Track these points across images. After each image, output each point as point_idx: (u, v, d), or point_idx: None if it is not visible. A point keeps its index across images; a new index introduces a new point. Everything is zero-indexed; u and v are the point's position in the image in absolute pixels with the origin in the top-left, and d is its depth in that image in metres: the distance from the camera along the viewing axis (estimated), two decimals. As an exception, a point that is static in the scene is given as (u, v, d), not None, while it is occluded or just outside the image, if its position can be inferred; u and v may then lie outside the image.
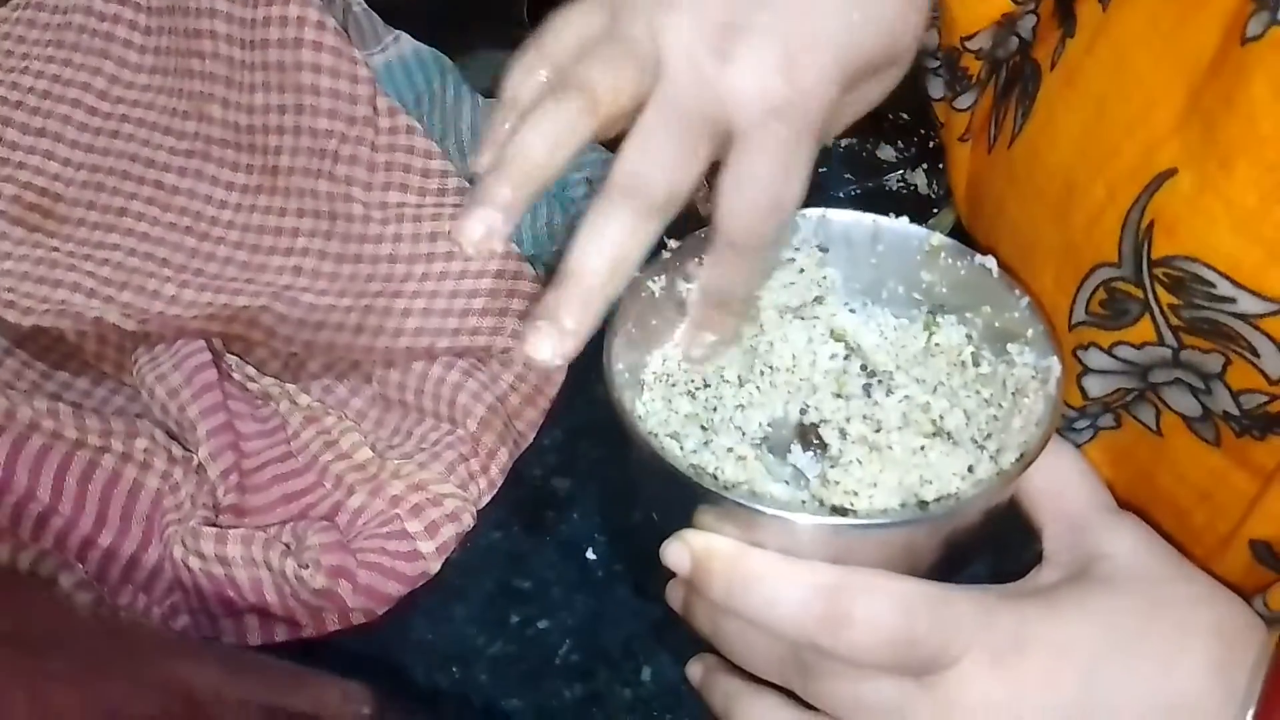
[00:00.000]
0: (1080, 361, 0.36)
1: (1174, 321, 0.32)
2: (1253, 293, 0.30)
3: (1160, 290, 0.32)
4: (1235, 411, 0.32)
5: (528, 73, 0.33)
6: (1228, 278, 0.30)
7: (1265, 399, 0.31)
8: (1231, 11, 0.30)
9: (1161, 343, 0.33)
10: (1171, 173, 0.31)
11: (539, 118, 0.31)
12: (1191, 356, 0.33)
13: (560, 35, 0.33)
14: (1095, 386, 0.36)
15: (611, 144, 0.59)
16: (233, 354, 0.47)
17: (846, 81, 0.33)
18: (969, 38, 0.39)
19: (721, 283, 0.34)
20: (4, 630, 0.18)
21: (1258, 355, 0.31)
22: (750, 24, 0.32)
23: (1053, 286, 0.37)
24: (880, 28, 0.34)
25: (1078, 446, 0.38)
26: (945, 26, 0.40)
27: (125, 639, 0.20)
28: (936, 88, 0.43)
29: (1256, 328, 0.30)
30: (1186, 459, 0.35)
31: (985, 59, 0.41)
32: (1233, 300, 0.30)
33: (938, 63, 0.41)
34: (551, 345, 0.30)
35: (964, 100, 0.42)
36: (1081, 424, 0.38)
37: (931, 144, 0.53)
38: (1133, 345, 0.34)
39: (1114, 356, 0.35)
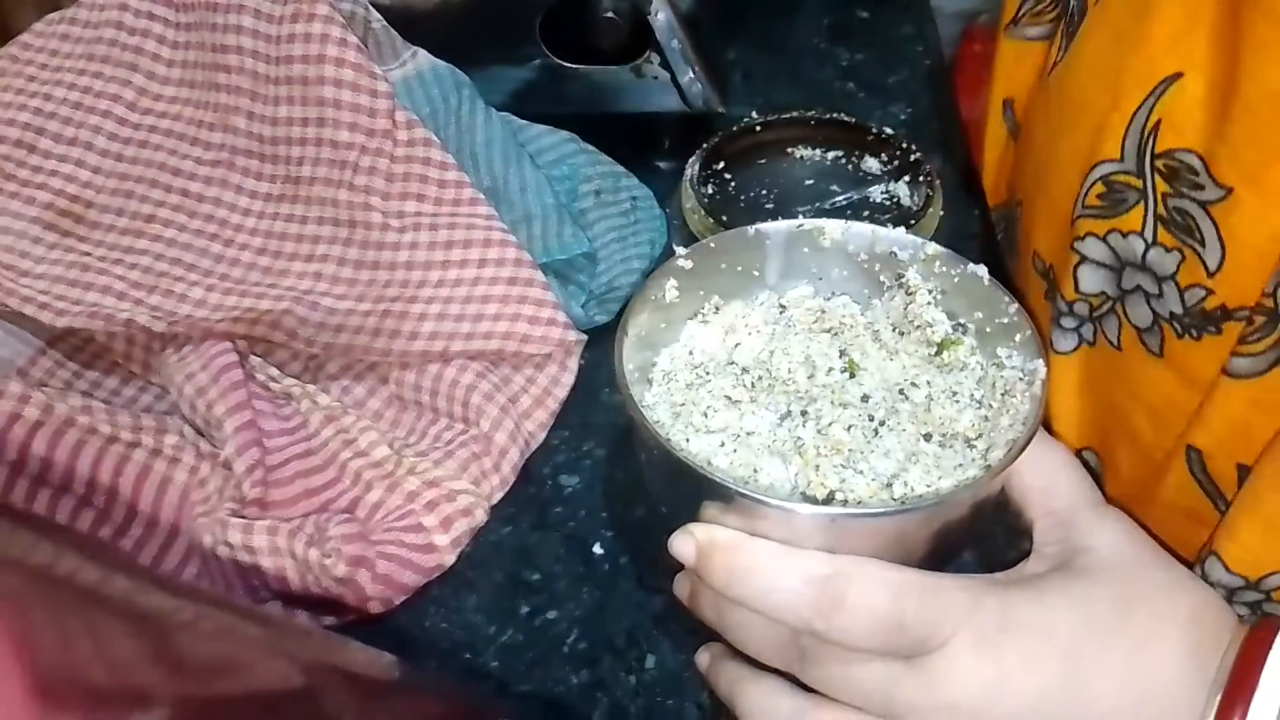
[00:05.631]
0: (1078, 252, 0.40)
1: (1160, 211, 0.36)
2: (1213, 179, 0.34)
3: (1159, 180, 0.36)
4: (1179, 310, 0.36)
5: None
6: (1204, 162, 0.34)
7: (1203, 293, 0.35)
8: None
9: (1141, 234, 0.37)
10: (1177, 76, 0.36)
11: None
12: (1156, 256, 0.37)
13: None
14: (1086, 279, 0.40)
15: (620, 156, 0.61)
16: (256, 355, 0.49)
17: None
18: None
19: None
20: (65, 572, 0.19)
21: (1203, 245, 0.35)
22: None
23: (1063, 194, 0.41)
24: None
25: (1067, 354, 0.42)
26: None
27: (176, 591, 0.22)
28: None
29: (1208, 214, 0.34)
30: (1138, 372, 0.39)
31: None
32: (1203, 188, 0.34)
33: None
34: None
35: (1032, 30, 0.47)
36: (1069, 324, 0.42)
37: (913, 157, 0.55)
38: (1122, 233, 0.38)
39: (1107, 244, 0.38)
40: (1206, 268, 0.35)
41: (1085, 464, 0.44)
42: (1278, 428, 0.34)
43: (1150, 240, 0.37)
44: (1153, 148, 0.36)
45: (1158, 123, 0.36)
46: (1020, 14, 0.48)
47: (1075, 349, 0.42)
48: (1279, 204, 0.33)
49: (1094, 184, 0.39)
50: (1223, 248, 0.34)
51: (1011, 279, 0.50)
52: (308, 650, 0.23)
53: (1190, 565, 0.36)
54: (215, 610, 0.21)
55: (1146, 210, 0.37)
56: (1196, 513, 0.37)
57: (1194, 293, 0.35)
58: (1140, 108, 0.37)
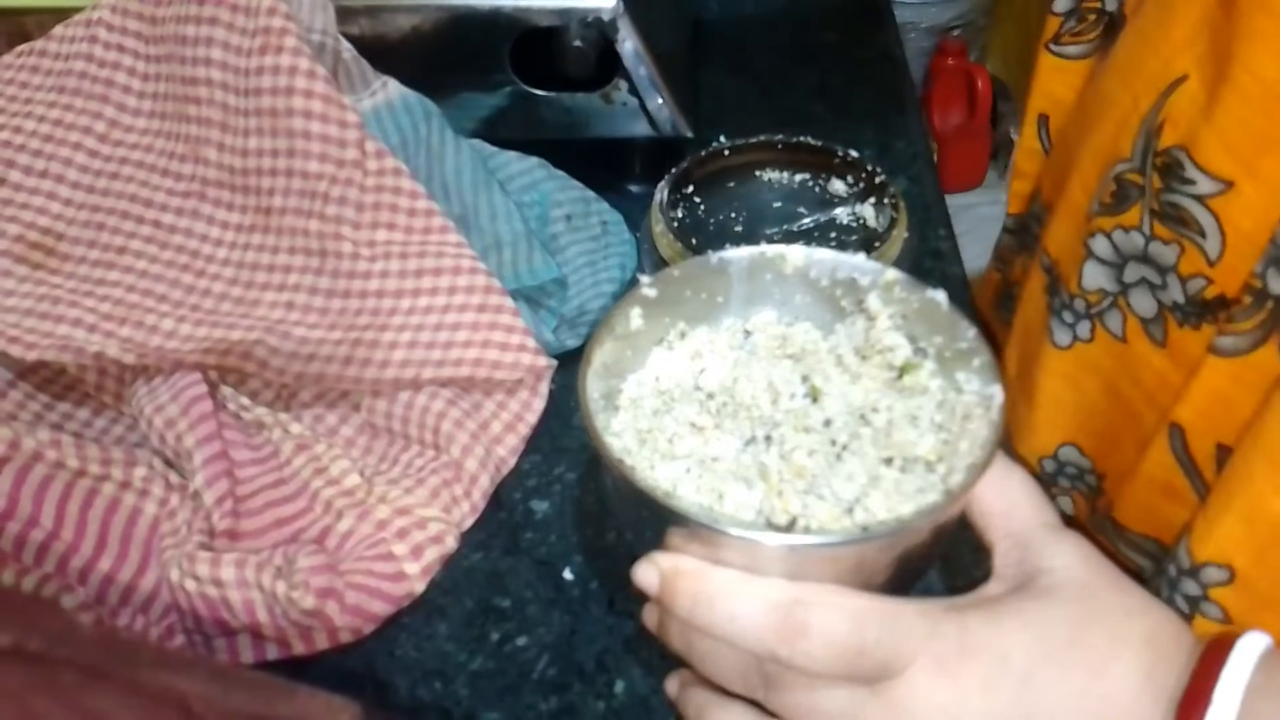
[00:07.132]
0: (1088, 249, 0.42)
1: (1154, 206, 0.38)
2: (1207, 174, 0.35)
3: (1155, 175, 0.38)
4: (1182, 300, 0.38)
5: None
6: (1194, 161, 0.36)
7: (1204, 283, 0.37)
8: None
9: (1140, 228, 0.39)
10: (1183, 78, 0.37)
11: None
12: (1156, 249, 0.38)
13: None
14: (1089, 275, 0.42)
15: (590, 181, 0.62)
16: (227, 385, 0.50)
17: None
18: None
19: None
20: (4, 645, 0.20)
21: (1204, 236, 0.36)
22: None
23: (1081, 192, 0.43)
24: None
25: (1063, 348, 0.44)
26: None
27: (121, 652, 0.22)
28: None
29: (1207, 207, 0.36)
30: (1140, 362, 0.40)
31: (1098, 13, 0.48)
32: (1194, 183, 0.36)
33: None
34: None
35: (1072, 49, 0.49)
36: (1069, 319, 0.43)
37: (878, 180, 0.56)
38: (1124, 229, 0.40)
39: (1111, 240, 0.40)
40: (1207, 258, 0.36)
41: (1064, 459, 0.46)
42: (1256, 405, 0.35)
43: (1148, 234, 0.38)
44: (1155, 146, 0.38)
45: (1163, 122, 0.38)
46: (1061, 31, 0.50)
47: (1071, 345, 0.44)
48: (1273, 192, 0.34)
49: (1109, 182, 0.40)
50: (1223, 238, 0.36)
51: (1013, 285, 0.52)
52: (253, 703, 0.23)
53: (1166, 547, 0.37)
54: (161, 669, 0.21)
55: (1143, 207, 0.38)
56: (1173, 488, 0.39)
57: (1195, 283, 0.37)
58: (1152, 108, 0.38)
